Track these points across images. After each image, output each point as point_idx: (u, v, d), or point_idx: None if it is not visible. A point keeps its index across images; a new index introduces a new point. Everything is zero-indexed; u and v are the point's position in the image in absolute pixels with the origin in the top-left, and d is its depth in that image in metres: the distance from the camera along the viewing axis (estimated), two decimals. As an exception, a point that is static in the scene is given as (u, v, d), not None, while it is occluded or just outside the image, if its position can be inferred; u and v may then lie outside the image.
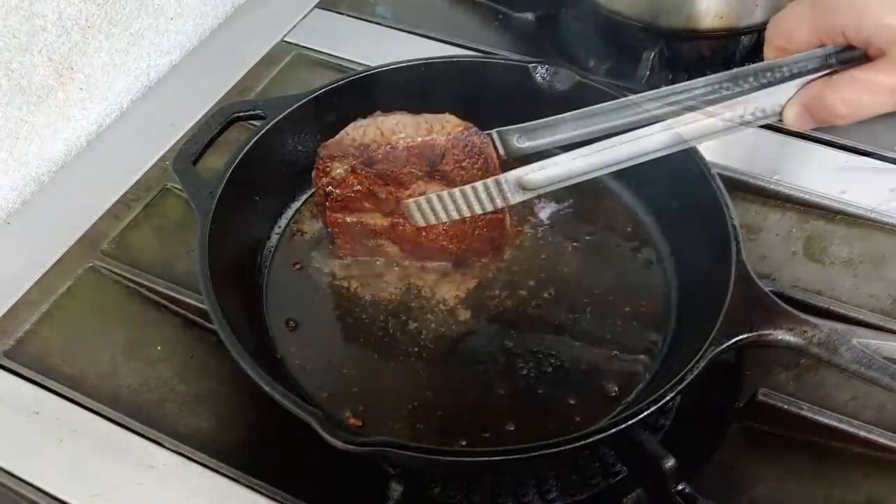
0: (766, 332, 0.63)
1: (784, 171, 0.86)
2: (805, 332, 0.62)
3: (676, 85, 0.59)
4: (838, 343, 0.61)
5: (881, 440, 0.65)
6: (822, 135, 0.90)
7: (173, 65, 1.03)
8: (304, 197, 0.83)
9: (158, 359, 0.73)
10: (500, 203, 0.65)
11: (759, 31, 0.99)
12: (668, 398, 0.59)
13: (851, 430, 0.66)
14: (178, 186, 0.79)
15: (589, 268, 0.77)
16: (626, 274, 0.77)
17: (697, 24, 0.95)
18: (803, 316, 0.63)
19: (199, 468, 0.66)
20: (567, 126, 0.64)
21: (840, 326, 0.63)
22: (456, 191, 0.65)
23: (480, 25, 1.08)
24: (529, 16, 1.08)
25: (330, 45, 1.02)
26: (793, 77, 0.55)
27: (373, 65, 0.85)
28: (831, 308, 0.74)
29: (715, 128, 0.58)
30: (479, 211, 0.66)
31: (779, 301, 0.64)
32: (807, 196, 0.83)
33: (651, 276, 0.76)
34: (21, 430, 0.68)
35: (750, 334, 0.63)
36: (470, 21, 1.09)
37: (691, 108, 0.58)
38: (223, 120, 0.78)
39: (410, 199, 0.67)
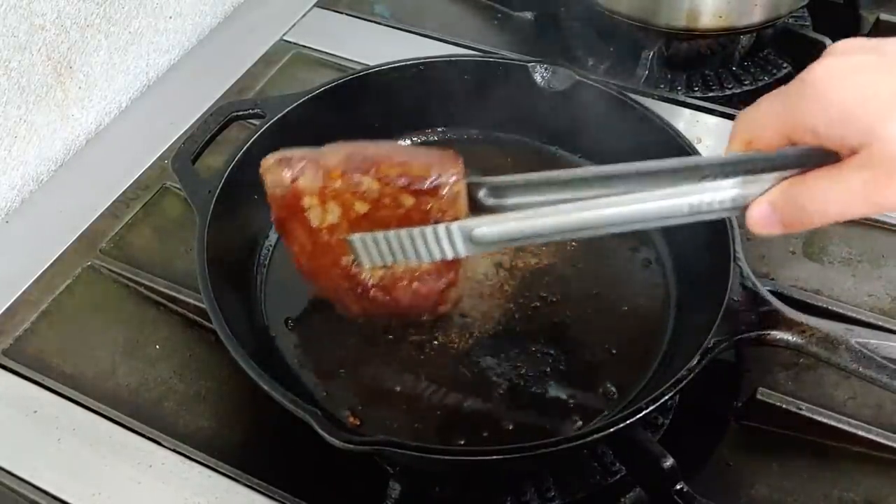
0: (765, 331, 0.63)
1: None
2: (804, 331, 0.62)
3: (659, 161, 0.53)
4: (837, 342, 0.61)
5: (880, 439, 0.65)
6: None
7: (172, 64, 1.03)
8: (303, 196, 0.83)
9: (157, 358, 0.73)
10: (449, 253, 0.58)
11: (758, 31, 1.00)
12: (667, 397, 0.59)
13: (850, 429, 0.66)
14: (178, 185, 0.79)
15: (588, 267, 0.77)
16: (624, 273, 0.77)
17: (696, 24, 0.95)
18: (802, 315, 0.63)
19: (199, 467, 0.66)
20: (538, 190, 0.57)
21: (839, 326, 0.63)
22: (403, 231, 0.58)
23: (480, 25, 1.08)
24: (529, 15, 1.08)
25: (329, 44, 1.02)
26: (764, 172, 0.50)
27: (372, 64, 0.85)
28: (830, 307, 0.74)
29: (679, 212, 0.52)
30: (427, 259, 0.59)
31: (777, 300, 0.64)
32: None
33: (650, 275, 0.76)
34: (20, 429, 0.68)
35: (749, 334, 0.63)
36: (469, 20, 1.09)
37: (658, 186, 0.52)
38: (222, 119, 0.78)
39: (356, 235, 0.60)
